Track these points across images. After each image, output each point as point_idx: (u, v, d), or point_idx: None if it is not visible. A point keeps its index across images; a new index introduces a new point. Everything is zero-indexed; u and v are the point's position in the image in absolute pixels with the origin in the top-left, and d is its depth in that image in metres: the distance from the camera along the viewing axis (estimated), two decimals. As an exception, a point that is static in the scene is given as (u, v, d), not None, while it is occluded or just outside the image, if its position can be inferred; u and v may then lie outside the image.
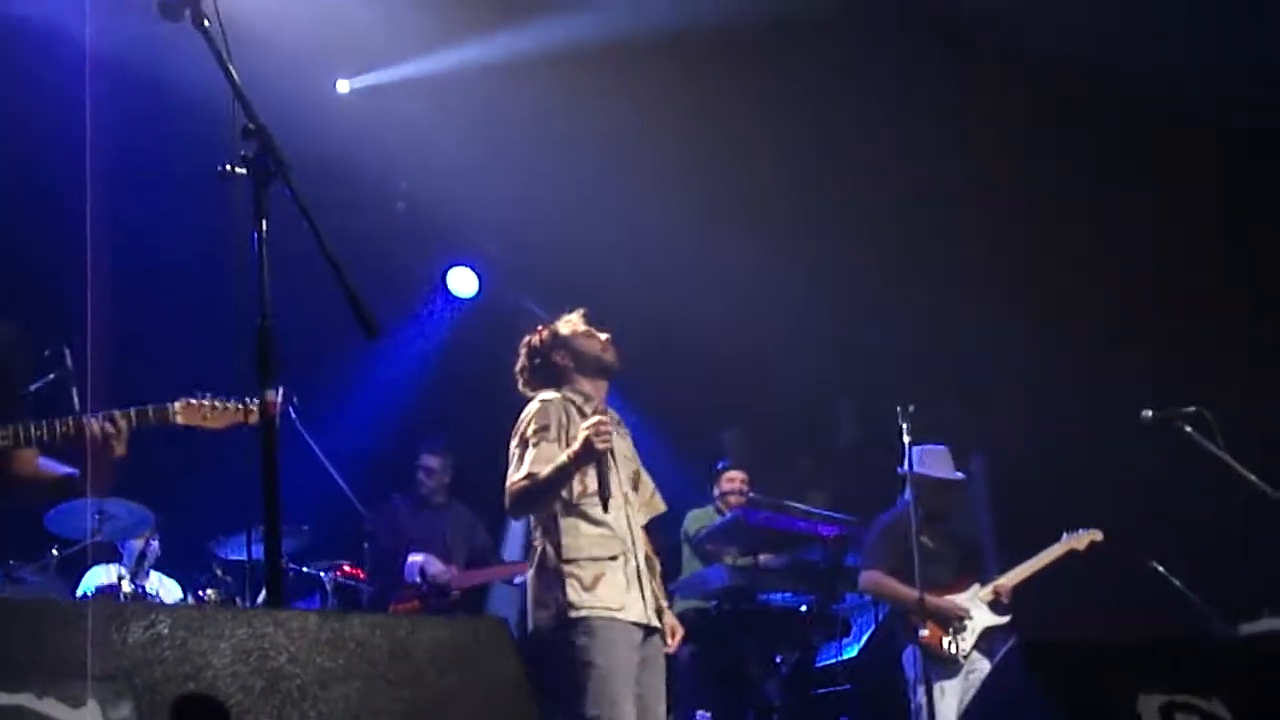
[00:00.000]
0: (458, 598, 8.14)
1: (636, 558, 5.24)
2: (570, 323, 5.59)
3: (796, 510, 8.17)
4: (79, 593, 7.50)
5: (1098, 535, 7.65)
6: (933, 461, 7.42)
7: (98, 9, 5.98)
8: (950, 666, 7.24)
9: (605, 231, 9.22)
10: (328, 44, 8.28)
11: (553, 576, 5.15)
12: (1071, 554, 7.65)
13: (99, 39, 5.82)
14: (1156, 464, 7.76)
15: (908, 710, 7.32)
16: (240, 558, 7.54)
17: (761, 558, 8.22)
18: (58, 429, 4.11)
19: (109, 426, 4.13)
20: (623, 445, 5.49)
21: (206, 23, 3.49)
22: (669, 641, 5.38)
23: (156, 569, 7.88)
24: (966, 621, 7.34)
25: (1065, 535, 7.68)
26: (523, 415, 5.38)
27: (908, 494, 7.61)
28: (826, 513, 8.20)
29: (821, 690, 8.39)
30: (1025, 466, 9.12)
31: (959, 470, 7.77)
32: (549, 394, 5.42)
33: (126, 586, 7.34)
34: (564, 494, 5.20)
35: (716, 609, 8.05)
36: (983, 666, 7.20)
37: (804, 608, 8.24)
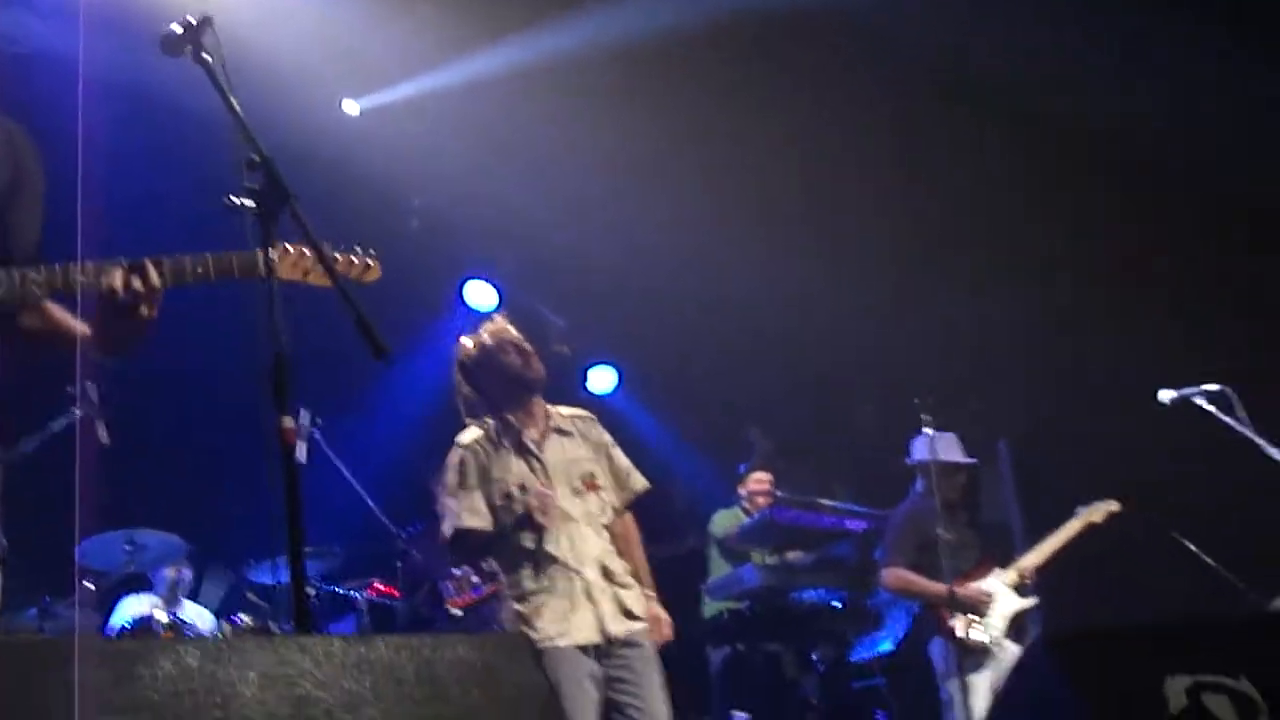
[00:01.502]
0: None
1: (583, 576, 5.24)
2: (492, 333, 5.56)
3: (824, 507, 8.17)
4: (113, 624, 7.56)
5: (1114, 506, 7.63)
6: (940, 447, 7.41)
7: (102, 37, 5.99)
8: (980, 656, 7.23)
9: (621, 236, 9.25)
10: (334, 64, 8.31)
11: (503, 612, 5.31)
12: (1092, 528, 7.62)
13: (102, 66, 5.82)
14: (1184, 441, 7.73)
15: (939, 703, 7.33)
16: (272, 582, 7.60)
17: (791, 555, 8.25)
18: (67, 277, 3.27)
19: (135, 281, 3.28)
20: (571, 448, 5.51)
21: (208, 57, 3.50)
22: (660, 633, 5.39)
23: (189, 597, 7.94)
24: (992, 608, 7.33)
25: (1081, 509, 7.67)
26: (446, 460, 5.47)
27: (919, 485, 7.64)
28: (854, 507, 8.20)
29: (858, 685, 8.39)
30: (1051, 450, 9.10)
31: (980, 456, 7.79)
32: (468, 434, 5.47)
33: (161, 616, 7.37)
34: (498, 528, 5.31)
35: (750, 609, 8.07)
36: (1013, 652, 7.19)
37: (837, 604, 8.25)
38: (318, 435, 7.67)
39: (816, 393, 10.30)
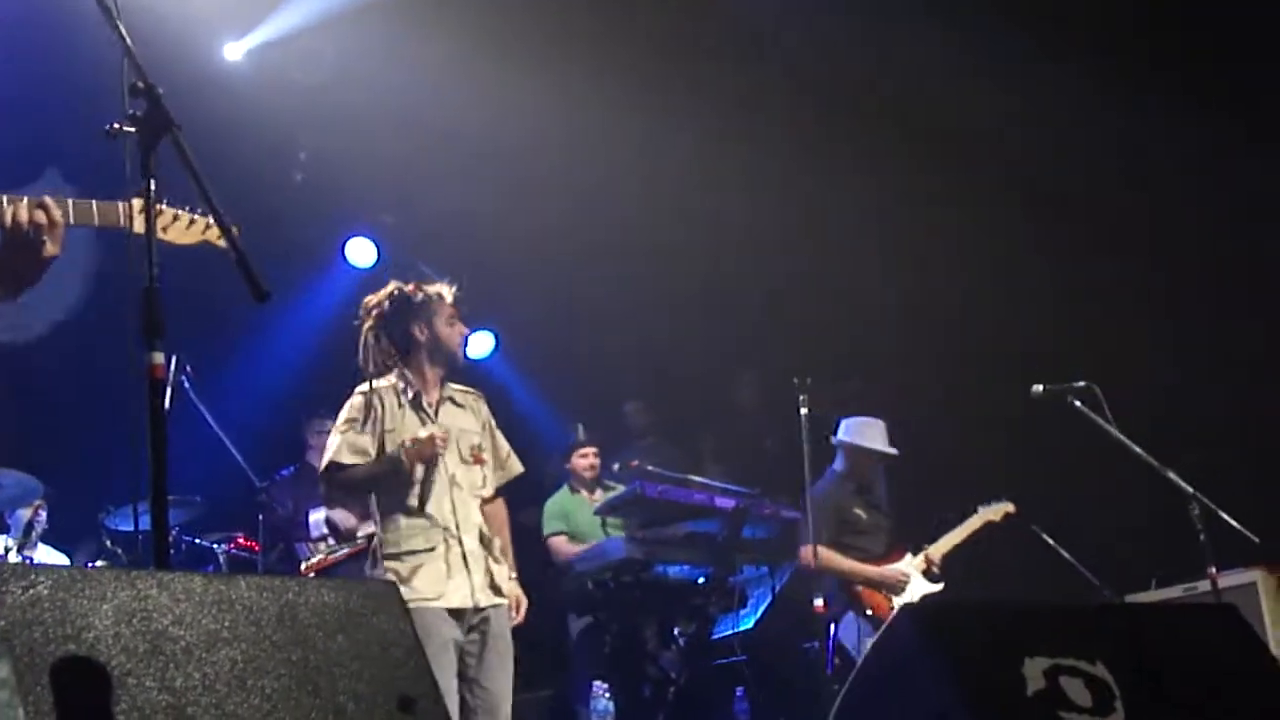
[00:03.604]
0: (364, 545, 8.12)
1: (462, 543, 5.31)
2: (442, 298, 5.57)
3: (694, 483, 8.18)
4: (-37, 564, 7.34)
5: (1010, 507, 7.89)
6: (871, 434, 7.68)
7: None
8: None
9: (505, 199, 9.16)
10: (216, 7, 8.14)
11: (378, 568, 5.30)
12: (989, 526, 7.86)
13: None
14: (1051, 438, 7.89)
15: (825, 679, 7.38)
16: (130, 529, 7.43)
17: (658, 530, 8.24)
18: None
19: (39, 215, 3.34)
20: (462, 419, 5.58)
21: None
22: (515, 614, 5.48)
23: (45, 541, 7.73)
24: (908, 590, 7.53)
25: (981, 508, 7.92)
26: (347, 402, 5.50)
27: (838, 463, 7.75)
28: (724, 485, 8.21)
29: (718, 661, 8.41)
30: (920, 440, 9.20)
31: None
32: (376, 384, 5.48)
33: (14, 558, 7.19)
34: (385, 483, 5.36)
35: (614, 581, 8.04)
36: None
37: (701, 580, 8.25)
38: (185, 382, 7.52)
39: (698, 368, 10.28)
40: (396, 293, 5.56)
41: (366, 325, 5.55)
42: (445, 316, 5.54)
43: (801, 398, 7.11)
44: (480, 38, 8.09)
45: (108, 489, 7.65)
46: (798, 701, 7.57)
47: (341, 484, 5.43)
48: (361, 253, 9.96)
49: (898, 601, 7.47)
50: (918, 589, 7.60)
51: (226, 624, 2.54)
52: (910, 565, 7.66)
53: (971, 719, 3.15)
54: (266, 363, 9.70)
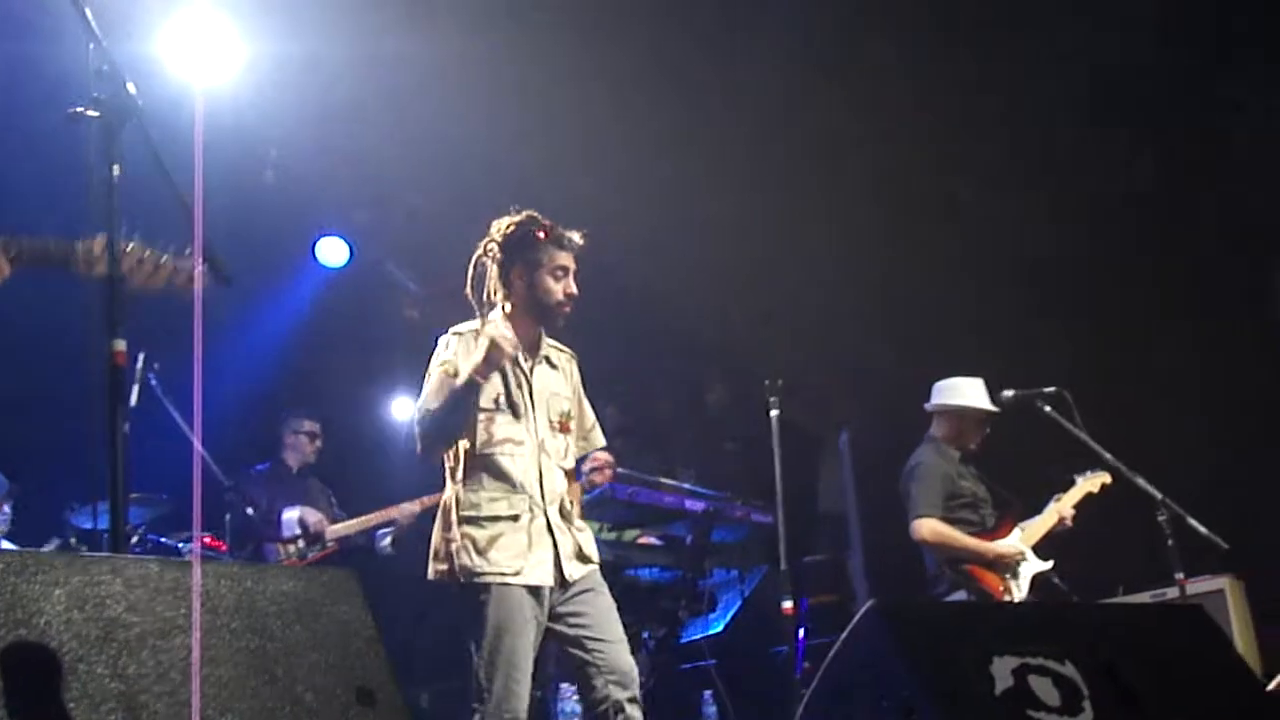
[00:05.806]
0: (334, 548, 8.06)
1: (546, 513, 5.00)
2: (560, 248, 5.19)
3: (666, 485, 8.14)
4: (-76, 561, 7.24)
5: (1107, 478, 7.35)
6: (971, 392, 7.29)
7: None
8: None
9: (473, 196, 9.10)
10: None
11: (451, 531, 4.97)
12: (1089, 498, 7.39)
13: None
14: (1019, 442, 7.86)
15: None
16: (93, 526, 7.35)
17: (629, 533, 8.22)
18: None
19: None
20: (553, 381, 5.26)
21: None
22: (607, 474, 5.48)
23: (7, 538, 7.65)
24: (1022, 567, 7.11)
25: (1078, 478, 7.44)
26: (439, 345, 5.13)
27: (935, 430, 7.44)
28: (695, 488, 8.18)
29: (687, 665, 8.39)
30: (888, 443, 9.20)
31: (821, 445, 7.83)
32: (467, 325, 5.11)
33: (-26, 555, 7.11)
34: (470, 439, 4.99)
35: (583, 583, 8.00)
36: None
37: (671, 583, 8.22)
38: (153, 380, 7.46)
39: (668, 372, 10.26)
40: (514, 228, 5.14)
41: (479, 252, 5.16)
42: (552, 269, 5.13)
43: (772, 399, 7.03)
44: (454, 32, 8.01)
45: (74, 486, 7.56)
46: (766, 705, 7.52)
47: (425, 433, 5.01)
48: (333, 252, 9.91)
49: (1011, 581, 7.04)
50: (1031, 567, 7.14)
51: (182, 611, 2.50)
52: (1021, 541, 7.19)
53: (940, 718, 3.13)
54: (236, 362, 9.60)
